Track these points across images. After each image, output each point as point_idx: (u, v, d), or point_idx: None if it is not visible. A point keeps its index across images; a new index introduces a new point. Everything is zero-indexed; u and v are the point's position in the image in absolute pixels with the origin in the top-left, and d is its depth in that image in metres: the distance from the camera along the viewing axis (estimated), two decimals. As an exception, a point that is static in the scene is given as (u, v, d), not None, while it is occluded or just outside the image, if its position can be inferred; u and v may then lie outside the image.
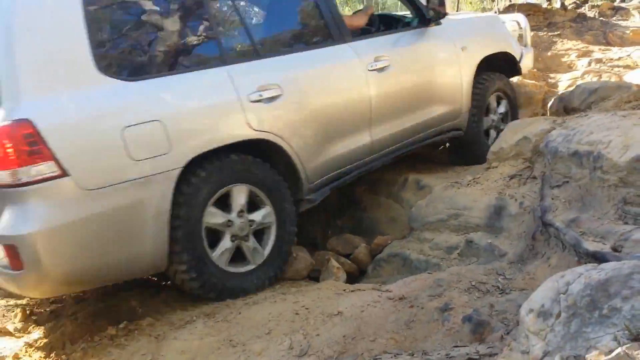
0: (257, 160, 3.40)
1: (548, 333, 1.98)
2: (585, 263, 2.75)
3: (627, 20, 10.56)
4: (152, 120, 2.96)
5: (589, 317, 1.86)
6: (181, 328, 2.96)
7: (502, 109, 5.30)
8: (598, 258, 2.67)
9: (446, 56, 4.70)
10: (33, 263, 2.69)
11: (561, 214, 3.22)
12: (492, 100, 5.17)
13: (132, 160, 2.88)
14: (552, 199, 3.39)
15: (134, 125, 2.90)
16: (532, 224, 3.40)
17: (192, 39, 3.38)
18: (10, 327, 3.56)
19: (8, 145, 2.62)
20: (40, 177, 2.67)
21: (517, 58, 5.40)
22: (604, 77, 7.41)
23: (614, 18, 10.67)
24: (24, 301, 4.00)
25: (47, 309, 3.70)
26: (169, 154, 2.99)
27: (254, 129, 3.35)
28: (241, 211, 3.32)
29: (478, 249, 3.53)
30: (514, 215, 3.59)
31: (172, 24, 3.27)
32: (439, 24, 4.67)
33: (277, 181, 3.49)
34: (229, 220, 3.28)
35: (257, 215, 3.41)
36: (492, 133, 5.20)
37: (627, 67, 7.90)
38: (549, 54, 9.06)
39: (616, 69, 7.79)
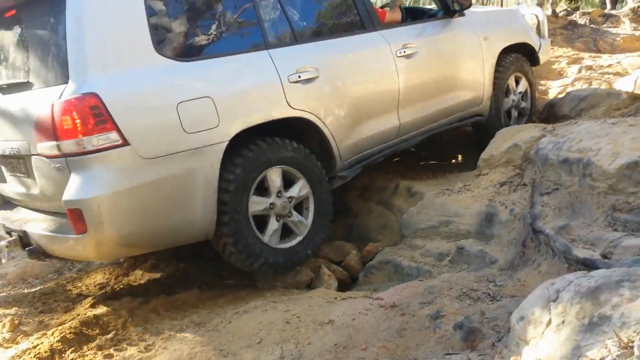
0: (284, 140, 3.61)
1: (539, 341, 1.97)
2: (576, 270, 2.75)
3: (618, 27, 10.62)
4: (204, 97, 3.22)
5: (579, 324, 1.86)
6: (171, 338, 2.93)
7: (520, 88, 5.53)
8: (588, 265, 2.67)
9: (469, 45, 4.93)
10: (96, 226, 2.92)
11: (551, 221, 3.23)
12: (511, 81, 5.40)
13: (185, 132, 3.13)
14: (542, 206, 3.40)
15: (187, 101, 3.16)
16: (522, 230, 3.41)
17: (238, 25, 3.64)
18: (-2, 338, 3.52)
19: (76, 116, 2.87)
20: (104, 146, 2.92)
21: (536, 49, 5.67)
22: (594, 84, 7.44)
23: (605, 25, 10.73)
24: (12, 311, 3.97)
25: (36, 319, 3.67)
26: (218, 128, 3.24)
27: (292, 108, 3.60)
28: (279, 192, 3.58)
29: (469, 256, 3.53)
30: (504, 222, 3.59)
31: (219, 11, 3.56)
32: (462, 15, 4.91)
33: (305, 155, 3.72)
34: (271, 204, 3.54)
35: (293, 191, 3.67)
36: (514, 112, 5.48)
37: (617, 74, 7.94)
38: (540, 61, 9.10)
39: (606, 76, 7.83)
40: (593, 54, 9.27)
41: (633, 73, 7.24)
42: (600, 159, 3.14)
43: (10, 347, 3.31)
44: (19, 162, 3.46)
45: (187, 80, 3.25)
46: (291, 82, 3.60)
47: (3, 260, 3.46)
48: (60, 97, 2.94)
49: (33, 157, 3.21)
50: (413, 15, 5.25)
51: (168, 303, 3.40)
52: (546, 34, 6.21)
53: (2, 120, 3.44)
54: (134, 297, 3.62)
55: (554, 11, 10.90)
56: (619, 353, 1.64)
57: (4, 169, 3.71)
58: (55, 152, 2.99)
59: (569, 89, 7.29)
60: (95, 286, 4.20)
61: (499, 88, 5.21)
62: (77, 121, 2.88)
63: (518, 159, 3.99)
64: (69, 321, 3.35)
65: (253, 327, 2.84)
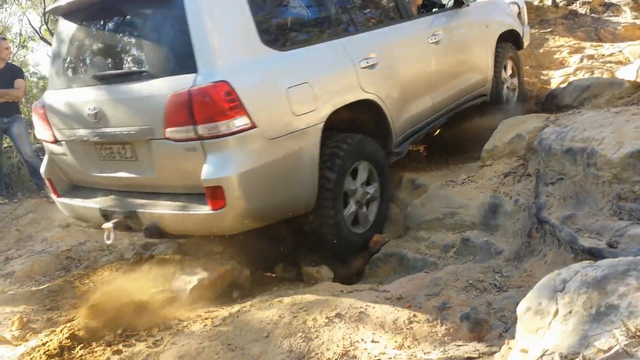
0: (373, 141, 4.08)
1: (546, 331, 1.98)
2: (581, 259, 2.76)
3: (619, 16, 10.55)
4: (304, 83, 3.55)
5: (587, 314, 1.87)
6: (179, 333, 2.95)
7: (510, 71, 6.16)
8: (594, 254, 2.68)
9: (477, 32, 5.51)
10: (234, 201, 3.23)
11: (556, 211, 3.23)
12: (508, 67, 6.02)
13: (295, 115, 3.47)
14: (547, 196, 3.40)
15: (293, 86, 3.49)
16: (527, 221, 3.41)
17: (319, 17, 4.05)
18: (7, 335, 3.55)
19: (213, 102, 3.15)
20: (237, 129, 3.20)
21: (521, 35, 6.30)
22: (596, 74, 7.41)
23: (606, 14, 10.65)
24: (20, 308, 3.99)
25: (44, 316, 3.69)
26: (316, 110, 3.59)
27: (364, 91, 3.97)
28: (362, 183, 4.03)
29: (474, 247, 3.53)
30: (509, 213, 3.60)
31: (306, 7, 4.00)
32: (467, 5, 5.42)
33: (385, 163, 4.19)
34: (356, 188, 3.96)
35: (370, 189, 4.11)
36: (505, 91, 6.03)
37: (619, 62, 7.91)
38: (541, 51, 9.06)
39: (608, 65, 7.80)
40: (594, 43, 9.22)
41: (635, 61, 7.22)
42: (604, 148, 3.15)
43: (20, 344, 3.34)
44: (123, 147, 3.64)
45: (290, 67, 3.59)
46: (362, 68, 3.98)
47: (109, 241, 3.69)
48: (194, 85, 3.18)
49: (154, 141, 3.41)
50: (425, 5, 5.72)
51: (176, 298, 3.41)
52: (526, 21, 6.77)
53: (108, 108, 3.59)
54: (141, 293, 3.63)
55: (554, 1, 10.83)
56: (627, 342, 1.65)
57: (96, 154, 3.84)
58: (191, 135, 3.22)
59: (571, 79, 7.28)
60: (102, 283, 4.22)
61: (498, 72, 5.75)
62: (215, 107, 3.15)
63: (522, 150, 4.00)
64: (77, 318, 3.37)
65: (260, 322, 2.85)
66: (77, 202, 4.05)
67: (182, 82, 3.23)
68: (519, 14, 6.49)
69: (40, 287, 4.44)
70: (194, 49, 3.25)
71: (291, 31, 3.82)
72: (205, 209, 3.31)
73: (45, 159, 4.30)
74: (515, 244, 3.36)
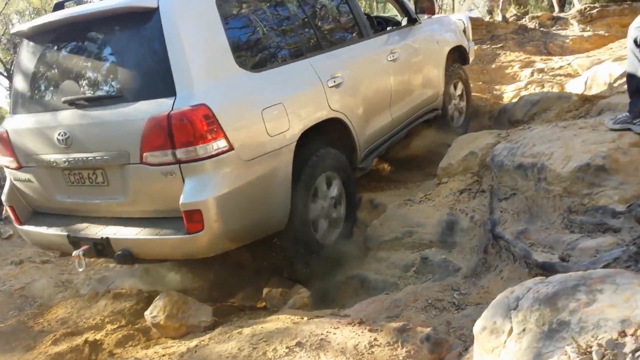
0: (337, 151, 4.15)
1: (502, 350, 1.98)
2: (536, 274, 2.80)
3: (567, 29, 10.90)
4: (278, 103, 3.60)
5: (539, 332, 1.88)
6: (136, 371, 2.86)
7: (458, 91, 6.37)
8: (547, 269, 2.71)
9: (430, 48, 5.68)
10: (212, 224, 3.22)
11: (510, 226, 3.28)
12: (455, 84, 6.24)
13: (269, 135, 3.51)
14: (501, 211, 3.45)
15: (268, 107, 3.54)
16: (483, 237, 3.45)
17: (288, 37, 4.10)
18: None
19: (192, 126, 3.14)
20: (215, 152, 3.22)
21: (467, 51, 6.54)
22: (547, 87, 7.63)
23: (554, 28, 10.99)
24: None
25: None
26: (289, 130, 3.64)
27: (332, 109, 4.06)
28: (330, 196, 4.10)
29: (433, 266, 3.55)
30: (465, 229, 3.63)
31: (275, 27, 4.06)
32: (420, 22, 5.62)
33: (344, 161, 4.24)
34: (322, 207, 4.02)
35: (333, 191, 4.14)
36: (456, 114, 6.29)
37: (569, 75, 8.15)
38: (493, 66, 9.29)
39: (558, 78, 8.03)
40: (544, 57, 9.50)
41: (583, 74, 7.45)
42: (553, 163, 3.21)
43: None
44: (94, 173, 3.59)
45: (264, 88, 3.63)
46: (330, 87, 4.07)
47: (80, 269, 3.60)
48: (173, 109, 3.17)
49: (129, 166, 3.37)
50: (379, 23, 5.84)
51: (132, 335, 3.32)
52: (470, 37, 6.95)
53: (80, 133, 3.54)
54: (97, 331, 3.53)
55: (504, 17, 11.14)
56: (578, 359, 1.66)
57: (64, 180, 3.76)
58: (169, 159, 3.21)
59: (523, 93, 7.48)
60: (57, 321, 4.08)
61: (448, 85, 5.97)
62: (194, 130, 3.15)
63: (475, 166, 4.05)
64: (31, 362, 3.25)
65: (219, 355, 2.78)
66: (42, 229, 3.94)
67: (160, 106, 3.22)
68: (464, 30, 6.68)
69: (-8, 329, 4.26)
70: (172, 72, 3.25)
71: (264, 52, 3.87)
72: (182, 233, 3.29)
73: (7, 185, 4.18)
74: (473, 261, 3.39)
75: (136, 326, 3.65)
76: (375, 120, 4.67)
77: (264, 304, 3.92)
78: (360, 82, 4.47)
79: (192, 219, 3.22)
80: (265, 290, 3.98)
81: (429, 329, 2.68)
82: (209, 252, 3.43)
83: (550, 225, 3.09)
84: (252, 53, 3.77)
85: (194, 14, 3.44)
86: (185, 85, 3.24)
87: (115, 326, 3.67)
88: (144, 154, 3.27)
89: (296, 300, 3.70)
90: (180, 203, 3.21)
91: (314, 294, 3.84)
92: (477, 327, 2.15)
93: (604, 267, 2.47)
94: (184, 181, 3.23)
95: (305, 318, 3.09)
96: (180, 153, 3.18)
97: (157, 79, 3.32)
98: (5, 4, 15.22)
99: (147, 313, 3.42)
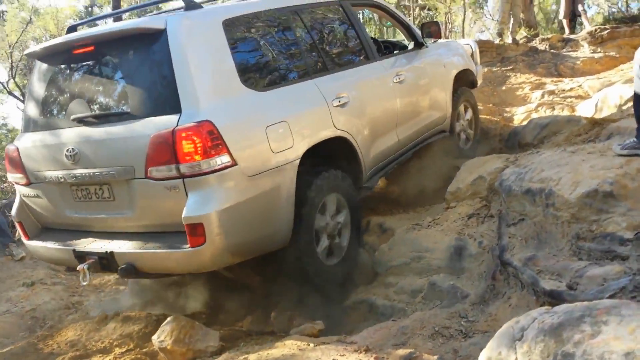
0: (343, 173, 4.18)
1: (507, 381, 1.97)
2: (543, 302, 2.78)
3: (577, 51, 10.87)
4: (282, 121, 3.69)
5: (544, 363, 1.87)
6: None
7: (466, 114, 6.36)
8: (555, 297, 2.69)
9: (436, 71, 5.74)
10: (214, 237, 3.27)
11: (518, 252, 3.26)
12: (462, 109, 6.24)
13: (273, 152, 3.59)
14: (509, 237, 3.44)
15: (272, 124, 3.63)
16: (491, 263, 3.43)
17: (294, 58, 4.20)
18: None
19: (197, 142, 3.23)
20: (219, 167, 3.29)
21: (475, 74, 6.56)
22: (557, 109, 7.61)
23: (564, 50, 10.97)
24: None
25: None
26: (293, 147, 3.71)
27: (337, 128, 4.13)
28: (332, 215, 4.11)
29: (441, 291, 3.54)
30: (474, 255, 3.62)
31: (282, 49, 4.15)
32: (426, 46, 5.69)
33: (353, 190, 4.30)
34: (326, 223, 4.05)
35: (340, 217, 4.19)
36: (462, 136, 6.25)
37: (579, 97, 8.13)
38: (504, 88, 9.29)
39: (568, 100, 8.01)
40: (555, 79, 9.48)
41: (594, 96, 7.43)
42: (561, 189, 3.20)
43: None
44: (101, 188, 3.67)
45: (268, 107, 3.71)
46: (335, 106, 4.14)
47: (84, 283, 3.65)
48: (178, 125, 3.26)
49: (135, 180, 3.45)
50: (386, 47, 5.92)
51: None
52: (479, 61, 7.02)
53: (88, 149, 3.63)
54: (105, 354, 3.55)
55: (514, 39, 11.14)
56: (582, 392, 1.65)
57: (71, 195, 3.84)
58: (173, 174, 3.29)
59: (533, 115, 7.47)
60: (66, 344, 4.11)
61: (456, 108, 6.01)
62: (198, 146, 3.23)
63: (484, 191, 4.05)
64: None
65: (226, 381, 2.79)
66: (49, 244, 4.01)
67: (165, 122, 3.32)
68: (472, 54, 6.73)
69: (2, 351, 4.28)
70: (178, 90, 3.35)
71: (269, 72, 3.97)
72: (185, 247, 3.33)
73: (17, 201, 4.26)
74: (481, 287, 3.37)
75: (144, 350, 3.66)
76: (381, 140, 4.72)
77: (271, 328, 3.92)
78: (366, 102, 4.54)
79: (195, 232, 3.28)
80: (273, 315, 3.98)
81: (435, 357, 2.66)
82: (211, 266, 3.49)
83: (559, 251, 3.07)
84: (258, 73, 3.88)
85: (201, 35, 3.55)
86: (191, 103, 3.34)
87: (124, 350, 3.68)
88: (149, 169, 3.36)
89: (306, 327, 3.66)
90: (182, 217, 3.27)
91: (321, 317, 3.83)
92: (482, 358, 2.14)
93: (610, 296, 2.45)
94: (187, 195, 3.29)
95: (312, 344, 3.08)
96: (183, 168, 3.26)
97: (164, 97, 3.42)
98: (22, 31, 15.56)
99: (154, 337, 3.43)
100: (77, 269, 3.65)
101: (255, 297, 4.18)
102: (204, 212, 3.26)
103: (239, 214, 3.40)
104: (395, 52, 5.74)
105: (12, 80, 15.98)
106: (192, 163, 3.24)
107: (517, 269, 3.09)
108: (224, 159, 3.31)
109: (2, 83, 17.71)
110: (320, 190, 3.93)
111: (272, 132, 3.60)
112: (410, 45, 5.75)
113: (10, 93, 16.65)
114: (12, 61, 15.01)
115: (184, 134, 3.23)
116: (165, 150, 3.27)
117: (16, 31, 15.67)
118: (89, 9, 22.31)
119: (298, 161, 3.74)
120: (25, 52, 4.75)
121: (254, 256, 3.67)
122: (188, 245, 3.31)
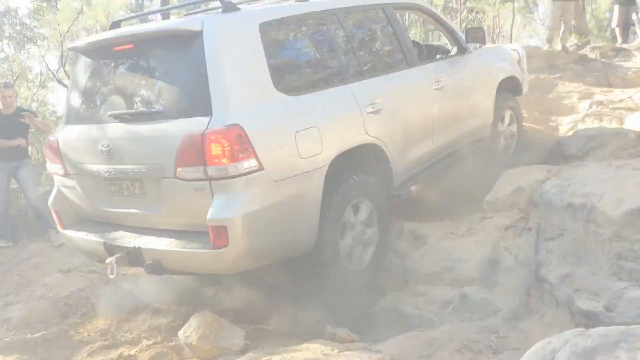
0: (373, 179, 4.12)
1: (534, 405, 1.89)
2: (579, 321, 2.67)
3: (629, 61, 10.50)
4: (312, 127, 3.66)
5: (575, 390, 1.78)
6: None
7: (509, 123, 6.13)
8: (591, 318, 2.59)
9: (479, 78, 5.60)
10: (237, 240, 3.28)
11: (556, 268, 3.15)
12: (506, 116, 6.07)
13: (301, 158, 3.57)
14: (547, 252, 3.33)
15: (302, 130, 3.60)
16: (526, 278, 3.33)
17: (329, 63, 4.16)
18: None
19: (225, 145, 3.25)
20: (246, 171, 3.30)
21: (521, 81, 6.33)
22: (605, 120, 7.35)
23: (616, 59, 10.61)
24: (12, 358, 3.94)
25: None
26: (322, 153, 3.67)
27: (369, 135, 4.07)
28: (361, 221, 4.05)
29: (472, 304, 3.45)
30: (508, 268, 3.52)
31: (317, 54, 4.12)
32: (470, 52, 5.53)
33: (383, 197, 4.22)
34: (353, 229, 4.00)
35: (368, 223, 4.12)
36: (504, 144, 6.05)
37: (629, 109, 7.82)
38: (550, 96, 9.02)
39: (617, 111, 7.72)
40: (604, 89, 9.17)
41: (644, 109, 7.16)
42: (604, 205, 3.07)
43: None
44: (132, 184, 3.73)
45: (299, 112, 3.71)
46: (368, 113, 4.06)
47: (112, 275, 3.71)
48: (207, 128, 3.29)
49: (164, 179, 3.50)
50: (429, 51, 5.79)
51: (165, 353, 3.35)
52: (525, 67, 6.74)
53: (122, 146, 3.70)
54: (132, 346, 3.58)
55: (564, 46, 10.83)
56: None
57: (105, 189, 3.91)
58: (200, 175, 3.31)
59: (580, 126, 7.23)
60: (96, 332, 4.18)
61: (498, 116, 5.81)
62: (226, 149, 3.25)
63: (523, 203, 3.94)
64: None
65: (247, 382, 2.77)
66: (82, 235, 4.11)
67: (196, 124, 3.34)
68: (519, 60, 6.52)
69: (35, 335, 4.38)
70: (210, 93, 3.37)
71: (303, 77, 3.98)
72: (208, 248, 3.36)
73: (54, 191, 4.37)
74: (514, 302, 3.27)
75: (170, 344, 3.69)
76: (415, 147, 4.64)
77: (298, 330, 3.89)
78: (401, 109, 4.45)
79: (218, 235, 3.30)
80: (300, 316, 3.95)
81: (461, 372, 2.59)
82: (233, 269, 3.51)
83: (598, 270, 2.95)
84: (291, 78, 3.87)
85: (236, 39, 3.56)
86: (222, 106, 3.36)
87: (151, 342, 3.71)
88: (177, 169, 3.38)
89: (336, 332, 3.60)
90: (207, 219, 3.30)
91: (348, 322, 3.78)
92: (510, 378, 2.06)
93: (651, 322, 2.34)
94: (213, 197, 3.32)
95: (336, 350, 3.05)
96: (211, 170, 3.28)
97: (196, 99, 3.44)
98: (74, 20, 15.93)
99: (180, 332, 3.45)
100: (106, 262, 3.71)
101: (284, 297, 4.16)
102: (228, 216, 3.28)
103: (263, 218, 3.40)
104: (437, 56, 5.63)
105: (62, 69, 16.38)
106: (220, 166, 3.26)
107: (553, 286, 2.99)
108: (251, 163, 3.31)
109: (52, 71, 18.24)
110: (348, 195, 3.88)
111: (301, 138, 3.58)
112: (454, 51, 5.62)
113: (59, 82, 17.09)
114: (62, 50, 15.37)
115: (213, 137, 3.26)
116: (194, 152, 3.30)
117: (68, 20, 16.03)
118: (140, 0, 22.75)
119: (326, 167, 3.71)
120: (69, 46, 4.86)
121: (277, 260, 3.68)
122: (211, 246, 3.34)
